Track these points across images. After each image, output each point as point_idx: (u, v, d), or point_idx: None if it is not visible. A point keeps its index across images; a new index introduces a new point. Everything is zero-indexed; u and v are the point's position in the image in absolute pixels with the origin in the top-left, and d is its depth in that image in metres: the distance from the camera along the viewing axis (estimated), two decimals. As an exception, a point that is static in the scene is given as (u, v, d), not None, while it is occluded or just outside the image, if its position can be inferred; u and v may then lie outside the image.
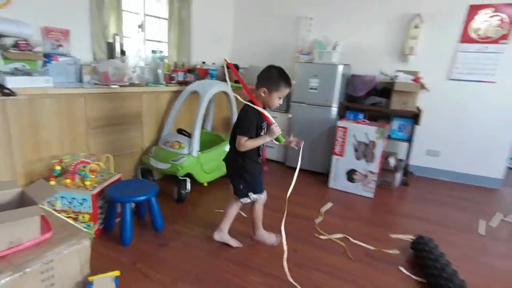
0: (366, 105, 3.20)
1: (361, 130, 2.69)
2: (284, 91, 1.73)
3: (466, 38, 3.05)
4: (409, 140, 3.08)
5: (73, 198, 1.71)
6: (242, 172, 1.80)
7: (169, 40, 3.38)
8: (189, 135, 2.60)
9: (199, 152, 2.50)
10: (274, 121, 1.68)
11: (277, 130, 1.66)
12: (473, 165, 3.23)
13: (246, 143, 1.66)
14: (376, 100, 3.19)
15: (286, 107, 3.53)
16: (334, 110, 3.14)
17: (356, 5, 3.43)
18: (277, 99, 1.73)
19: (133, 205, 1.91)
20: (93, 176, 1.81)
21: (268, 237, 1.96)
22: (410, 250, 1.91)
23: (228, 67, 1.80)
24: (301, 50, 3.68)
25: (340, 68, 3.04)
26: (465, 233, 2.24)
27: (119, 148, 2.38)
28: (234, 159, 1.82)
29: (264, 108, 1.73)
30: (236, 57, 4.11)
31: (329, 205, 2.54)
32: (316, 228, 2.16)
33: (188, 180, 2.44)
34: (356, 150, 2.74)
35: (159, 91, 2.65)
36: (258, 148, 1.79)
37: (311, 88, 3.17)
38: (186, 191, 2.41)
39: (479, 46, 3.01)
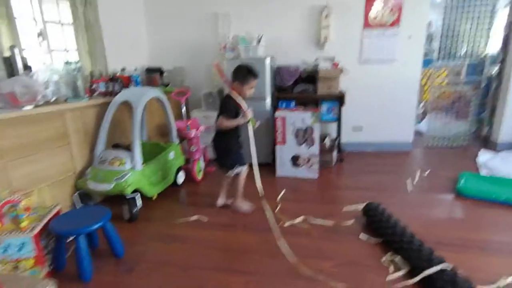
0: (295, 93, 3.40)
1: (298, 118, 2.85)
2: (253, 82, 2.18)
3: (367, 24, 3.48)
4: (338, 120, 3.40)
5: (8, 245, 1.41)
6: (227, 151, 2.29)
7: (79, 48, 3.00)
8: (127, 149, 2.39)
9: (143, 165, 2.33)
10: (246, 107, 2.15)
11: (248, 113, 2.15)
12: (389, 133, 3.74)
13: (224, 121, 2.13)
14: (303, 87, 3.41)
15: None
16: (268, 102, 3.25)
17: (268, -1, 3.58)
18: (248, 90, 2.18)
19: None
20: (27, 215, 1.52)
21: (244, 205, 2.37)
22: (363, 218, 2.13)
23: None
24: (224, 47, 3.69)
25: (267, 61, 3.15)
26: (399, 192, 2.61)
27: (48, 176, 2.05)
28: (220, 142, 2.30)
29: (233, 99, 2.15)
30: (156, 60, 3.88)
31: (282, 192, 2.65)
32: (278, 216, 2.23)
33: (138, 196, 2.25)
34: (296, 136, 2.91)
35: (82, 107, 2.34)
36: (237, 130, 2.27)
37: (243, 83, 3.21)
38: (138, 208, 2.23)
39: (379, 31, 3.47)
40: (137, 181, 2.22)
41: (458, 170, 2.92)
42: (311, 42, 3.62)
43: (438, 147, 3.92)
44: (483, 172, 2.95)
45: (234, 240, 1.98)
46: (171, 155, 2.72)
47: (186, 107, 3.23)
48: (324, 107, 3.41)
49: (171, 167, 2.72)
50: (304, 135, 2.89)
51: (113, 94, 2.64)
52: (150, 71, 3.46)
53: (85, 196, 2.29)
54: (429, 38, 5.04)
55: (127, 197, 2.17)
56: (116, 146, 2.47)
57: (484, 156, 3.34)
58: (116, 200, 2.26)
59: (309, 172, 2.97)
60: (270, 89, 3.27)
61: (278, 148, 2.98)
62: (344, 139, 3.73)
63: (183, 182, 2.91)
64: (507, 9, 3.68)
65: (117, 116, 2.58)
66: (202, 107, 3.60)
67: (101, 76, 2.96)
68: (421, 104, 4.97)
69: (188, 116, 3.40)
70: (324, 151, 3.20)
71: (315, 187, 2.81)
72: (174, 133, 2.87)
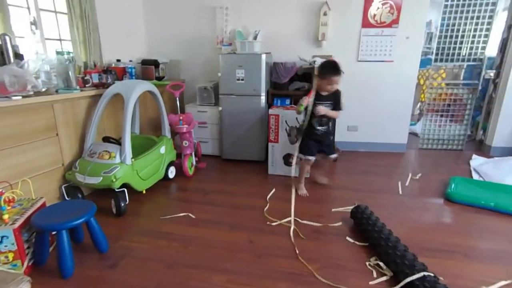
0: (291, 90, 3.38)
1: (291, 116, 2.83)
2: (330, 79, 2.33)
3: (366, 23, 3.44)
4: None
5: (-12, 239, 1.40)
6: (302, 138, 2.57)
7: (73, 37, 2.96)
8: (118, 142, 2.37)
9: (133, 159, 2.31)
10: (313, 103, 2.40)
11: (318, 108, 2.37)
12: (384, 134, 3.73)
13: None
14: (299, 85, 3.39)
15: (215, 100, 3.48)
16: (263, 98, 3.23)
17: (269, -7, 3.53)
18: (327, 85, 2.37)
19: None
20: (9, 208, 1.51)
21: (301, 190, 2.62)
22: (351, 219, 2.13)
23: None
24: (221, 41, 3.65)
25: (264, 57, 3.12)
26: (389, 194, 2.61)
27: (35, 168, 2.03)
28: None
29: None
30: (153, 52, 3.85)
31: (272, 190, 2.65)
32: (266, 216, 2.23)
33: (126, 191, 2.23)
34: (289, 135, 2.89)
35: (73, 98, 2.32)
36: (310, 121, 2.47)
37: (238, 79, 3.18)
38: (125, 203, 2.21)
39: (377, 30, 3.44)
40: (126, 175, 2.21)
41: (450, 173, 2.92)
42: (309, 39, 3.58)
43: (432, 149, 3.92)
44: (475, 177, 2.95)
45: (221, 238, 1.97)
46: (162, 149, 2.70)
47: (180, 101, 3.21)
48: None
49: (162, 161, 2.70)
50: (297, 134, 2.87)
51: (106, 85, 2.61)
52: (145, 63, 3.42)
53: (73, 189, 2.27)
54: (429, 37, 5.00)
55: (115, 191, 2.15)
56: (106, 139, 2.45)
57: (476, 161, 3.34)
58: (106, 193, 2.26)
59: (301, 170, 2.96)
60: (266, 86, 3.24)
61: (270, 146, 2.97)
62: (339, 138, 3.72)
63: (174, 177, 2.91)
64: (506, 13, 3.65)
65: (109, 108, 2.56)
66: (197, 101, 3.57)
67: (95, 67, 2.93)
68: (418, 105, 4.96)
69: (183, 110, 3.38)
70: (317, 150, 3.19)
71: (306, 186, 2.79)
72: (167, 127, 2.85)
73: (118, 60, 3.19)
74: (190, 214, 2.25)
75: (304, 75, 3.44)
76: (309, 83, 3.33)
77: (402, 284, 1.45)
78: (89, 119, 2.41)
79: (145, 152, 2.52)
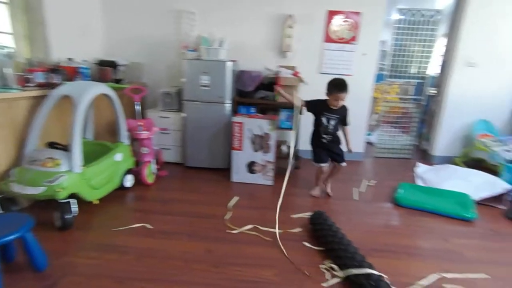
0: (256, 99, 3.41)
1: (255, 124, 2.85)
2: (336, 95, 2.49)
3: (328, 38, 3.61)
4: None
5: None
6: (311, 145, 2.77)
7: (14, 31, 2.71)
8: (65, 148, 2.18)
9: (83, 167, 2.16)
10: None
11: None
12: (343, 143, 3.88)
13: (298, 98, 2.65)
14: (264, 94, 3.43)
15: (178, 106, 3.40)
16: (228, 106, 3.22)
17: (235, 2, 3.55)
18: (333, 101, 2.52)
19: None
20: None
21: (315, 191, 2.81)
22: (309, 225, 2.18)
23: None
24: (186, 46, 3.59)
25: (229, 65, 3.12)
26: (345, 200, 2.73)
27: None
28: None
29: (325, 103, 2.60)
30: (111, 53, 3.65)
31: (235, 199, 2.63)
32: (227, 224, 2.20)
33: (74, 202, 2.07)
34: (253, 143, 2.90)
35: (11, 98, 2.09)
36: (318, 130, 2.67)
37: (203, 86, 3.15)
38: (72, 214, 2.04)
39: (338, 45, 3.62)
40: (74, 184, 2.05)
41: (400, 180, 3.13)
42: (274, 49, 3.66)
43: (386, 158, 4.17)
44: (419, 182, 3.20)
45: (178, 249, 1.90)
46: (118, 156, 2.56)
47: (141, 106, 3.09)
48: (283, 115, 3.46)
49: (117, 169, 2.56)
50: (261, 142, 2.90)
51: (53, 86, 2.39)
52: (102, 64, 3.25)
53: (7, 200, 2.03)
54: (384, 55, 5.37)
55: (60, 202, 1.97)
56: (51, 145, 2.25)
57: (421, 168, 3.63)
58: (48, 204, 2.05)
59: (265, 178, 2.98)
60: (231, 93, 3.24)
61: (234, 153, 2.96)
62: (301, 147, 3.81)
63: (132, 186, 2.76)
64: (445, 37, 4.04)
65: (56, 111, 2.38)
66: (159, 107, 3.46)
67: (40, 65, 2.68)
68: (375, 117, 5.27)
69: (143, 116, 3.25)
70: (280, 157, 3.24)
71: (269, 194, 2.83)
72: (124, 133, 2.72)
73: (70, 59, 2.97)
74: (147, 225, 2.15)
75: (270, 84, 3.49)
76: (274, 92, 3.39)
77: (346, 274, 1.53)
78: (30, 122, 2.20)
79: (98, 159, 2.37)
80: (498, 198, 2.74)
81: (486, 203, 2.73)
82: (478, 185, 2.88)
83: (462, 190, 2.80)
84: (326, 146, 2.69)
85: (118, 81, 3.29)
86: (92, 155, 2.42)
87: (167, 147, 3.41)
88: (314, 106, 2.62)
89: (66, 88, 2.28)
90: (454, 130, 3.93)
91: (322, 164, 2.69)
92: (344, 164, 2.76)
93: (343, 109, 2.64)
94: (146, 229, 2.10)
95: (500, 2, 3.50)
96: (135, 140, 2.87)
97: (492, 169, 3.32)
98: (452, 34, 3.83)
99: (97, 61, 3.28)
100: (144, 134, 2.76)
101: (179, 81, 3.31)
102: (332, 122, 2.61)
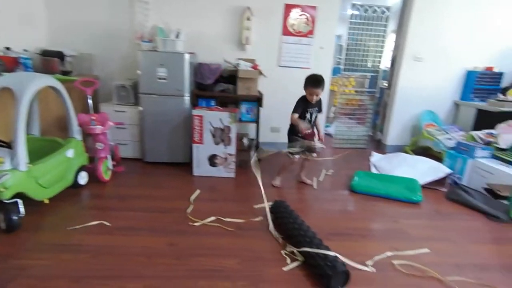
0: (216, 92, 3.39)
1: (215, 117, 2.84)
2: (311, 90, 2.58)
3: (286, 31, 3.67)
4: (256, 121, 3.50)
5: None
6: (288, 136, 2.81)
7: None
8: (7, 146, 2.01)
9: (30, 164, 2.00)
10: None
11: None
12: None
13: (292, 116, 2.66)
14: (224, 86, 3.42)
15: (134, 100, 3.27)
16: (187, 99, 3.16)
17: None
18: (309, 95, 2.62)
19: None
20: None
21: (277, 181, 2.88)
22: (271, 214, 2.23)
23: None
24: (141, 37, 3.45)
25: (187, 57, 3.06)
26: (306, 189, 2.85)
27: None
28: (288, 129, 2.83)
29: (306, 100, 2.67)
30: (57, 42, 3.38)
31: (197, 192, 2.61)
32: (189, 217, 2.19)
33: (20, 202, 1.92)
34: (213, 136, 2.89)
35: None
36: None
37: (160, 78, 3.06)
38: (19, 215, 1.90)
39: (296, 38, 3.70)
40: (19, 183, 1.89)
41: (356, 169, 3.31)
42: (233, 42, 3.65)
43: (343, 148, 4.38)
44: (373, 170, 3.42)
45: (139, 244, 1.85)
46: (70, 153, 2.41)
47: (94, 100, 2.92)
48: (243, 108, 3.47)
49: (69, 166, 2.42)
50: (221, 135, 2.90)
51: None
52: (47, 54, 3.01)
53: None
54: (340, 49, 5.60)
55: (4, 203, 1.82)
56: (-7, 141, 2.07)
57: (375, 157, 3.87)
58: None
59: (226, 171, 2.99)
60: (190, 86, 3.18)
61: (194, 147, 2.92)
62: (263, 139, 3.87)
63: (86, 184, 2.63)
64: (395, 33, 4.32)
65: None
66: (114, 100, 3.30)
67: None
68: (334, 109, 5.49)
69: (96, 110, 3.08)
70: (241, 150, 3.27)
71: (231, 186, 2.84)
72: (75, 128, 2.56)
73: (7, 48, 2.71)
74: (105, 222, 2.06)
75: (229, 77, 3.49)
76: (234, 85, 3.39)
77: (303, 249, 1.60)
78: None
79: (47, 156, 2.22)
80: (440, 182, 3.00)
81: (431, 187, 2.98)
82: (423, 170, 3.14)
83: (410, 175, 3.04)
84: (304, 139, 2.76)
85: (66, 73, 3.08)
86: (40, 152, 2.26)
87: (124, 142, 3.27)
88: (301, 108, 2.68)
89: (6, 80, 2.09)
90: (404, 121, 4.22)
91: (297, 156, 2.77)
92: (315, 154, 2.88)
93: (320, 101, 2.79)
94: (104, 227, 2.02)
95: (443, 1, 3.80)
96: (88, 135, 2.72)
97: (437, 156, 3.64)
98: (400, 30, 4.09)
99: (41, 51, 3.03)
100: (97, 129, 2.63)
101: (134, 74, 3.18)
102: (314, 115, 2.75)
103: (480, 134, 3.36)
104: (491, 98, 3.77)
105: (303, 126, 2.62)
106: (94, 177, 2.66)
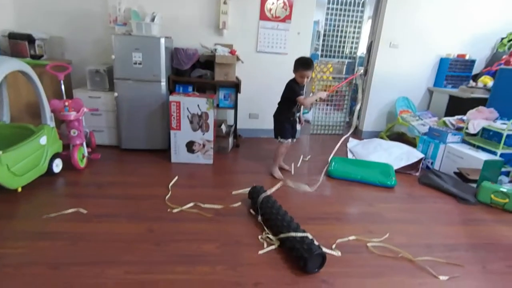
0: (193, 77, 3.35)
1: (193, 103, 2.83)
2: (302, 72, 2.56)
3: (263, 16, 3.64)
4: (234, 107, 3.51)
5: None
6: (276, 121, 2.80)
7: None
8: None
9: (0, 152, 1.95)
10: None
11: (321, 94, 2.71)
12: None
13: (305, 100, 2.64)
14: (201, 72, 3.38)
15: (109, 85, 3.18)
16: (164, 85, 3.11)
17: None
18: (299, 78, 2.60)
19: None
20: None
21: (276, 173, 2.84)
22: (248, 199, 2.29)
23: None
24: (115, 20, 3.33)
25: (163, 41, 2.98)
26: (284, 175, 2.89)
27: None
28: (275, 114, 2.81)
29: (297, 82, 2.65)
30: (25, 24, 3.20)
31: (175, 178, 2.62)
32: (167, 203, 2.21)
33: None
34: (191, 122, 2.88)
35: None
36: (290, 107, 2.72)
37: (136, 63, 2.98)
38: (-9, 205, 1.87)
39: (273, 23, 3.68)
40: (-10, 171, 1.86)
41: (334, 155, 3.41)
42: (210, 26, 3.59)
43: (321, 134, 4.48)
44: (350, 156, 3.54)
45: (118, 231, 1.87)
46: (43, 140, 2.35)
47: (67, 85, 2.83)
48: (221, 94, 3.47)
49: (43, 153, 2.36)
50: (199, 121, 2.89)
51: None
52: (14, 37, 2.86)
53: None
54: (318, 35, 5.61)
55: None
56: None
57: (352, 143, 3.99)
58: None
59: (204, 158, 3.01)
60: (166, 72, 3.13)
61: (172, 133, 2.91)
62: (241, 125, 3.89)
63: (61, 171, 2.58)
64: (371, 20, 4.38)
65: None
66: (88, 86, 3.20)
67: None
68: (311, 95, 5.56)
69: (70, 96, 2.98)
70: (220, 136, 3.28)
71: (209, 172, 2.87)
72: (47, 114, 2.48)
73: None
74: (81, 209, 2.05)
75: (206, 62, 3.45)
76: (211, 71, 3.36)
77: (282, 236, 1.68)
78: None
79: (19, 143, 2.15)
80: (414, 166, 3.14)
81: (405, 171, 3.13)
82: (397, 155, 3.27)
83: (385, 161, 3.17)
84: (293, 123, 2.81)
85: (36, 57, 2.95)
86: (12, 139, 2.20)
87: (99, 129, 3.21)
88: (299, 91, 2.64)
89: (-31, 64, 1.99)
90: (380, 107, 4.35)
91: (290, 140, 2.82)
92: (294, 139, 2.94)
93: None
94: (81, 214, 2.01)
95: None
96: (62, 122, 2.65)
97: (411, 142, 3.80)
98: (376, 17, 4.15)
99: (8, 34, 2.88)
100: (71, 115, 2.56)
101: (109, 58, 3.09)
102: None
103: (452, 120, 3.53)
104: (463, 85, 3.93)
105: (323, 95, 2.67)
106: (69, 165, 2.61)
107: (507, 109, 3.08)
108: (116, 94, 3.04)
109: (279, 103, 2.80)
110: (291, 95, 2.63)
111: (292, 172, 2.99)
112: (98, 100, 3.13)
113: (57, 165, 2.54)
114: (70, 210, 2.03)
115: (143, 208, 2.14)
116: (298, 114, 2.83)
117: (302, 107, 2.85)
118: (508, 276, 1.71)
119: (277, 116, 2.80)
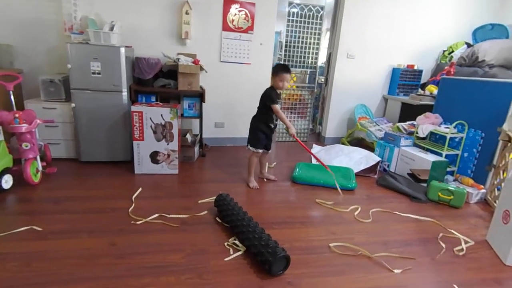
0: (156, 87, 3.31)
1: (156, 113, 2.79)
2: (282, 76, 2.57)
3: (226, 27, 3.71)
4: (200, 116, 3.51)
5: None
6: (251, 129, 2.80)
7: None
8: None
9: None
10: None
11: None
12: (247, 130, 4.07)
13: (279, 111, 2.62)
14: (164, 82, 3.36)
15: (65, 96, 3.04)
16: (125, 94, 3.04)
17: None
18: (279, 82, 2.59)
19: None
20: None
21: (252, 182, 2.83)
22: (215, 208, 2.29)
23: None
24: (70, 28, 3.21)
25: (123, 51, 2.93)
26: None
27: None
28: (252, 121, 2.80)
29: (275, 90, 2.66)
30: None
31: (139, 190, 2.56)
32: (131, 216, 2.15)
33: None
34: (154, 132, 2.84)
35: None
36: (268, 118, 2.71)
37: (94, 73, 2.89)
38: None
39: (236, 34, 3.77)
40: None
41: (297, 160, 3.53)
42: (172, 36, 3.58)
43: (286, 141, 4.60)
44: (314, 161, 3.67)
45: (77, 247, 1.78)
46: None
47: (17, 96, 2.66)
48: (185, 103, 3.46)
49: (-10, 169, 2.20)
50: (163, 131, 2.86)
51: None
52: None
53: None
54: (280, 46, 5.78)
55: None
56: None
57: (315, 149, 4.15)
58: None
59: (170, 168, 2.96)
60: (127, 81, 3.06)
61: (135, 144, 2.84)
62: (207, 134, 3.90)
63: (11, 188, 2.41)
64: (329, 31, 4.65)
65: None
66: (41, 96, 3.03)
67: None
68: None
69: (21, 107, 2.81)
70: (185, 146, 3.26)
71: (174, 182, 2.83)
72: (-5, 127, 2.32)
73: None
74: (35, 227, 1.93)
75: (169, 72, 3.43)
76: (175, 80, 3.35)
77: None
78: None
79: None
80: (372, 169, 3.34)
81: (364, 174, 3.31)
82: (357, 159, 3.46)
83: (346, 165, 3.34)
84: (269, 133, 2.80)
85: (-18, 66, 2.75)
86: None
87: (56, 142, 3.05)
88: (276, 99, 2.62)
89: None
90: (340, 114, 4.58)
91: (261, 150, 2.79)
92: (269, 151, 2.96)
93: None
94: (35, 232, 1.89)
95: (367, 4, 4.16)
96: (12, 135, 2.48)
97: (370, 146, 4.04)
98: (334, 30, 4.41)
99: None
100: (22, 127, 2.41)
101: (64, 68, 2.96)
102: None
103: (404, 125, 3.82)
104: (413, 93, 4.28)
105: (292, 130, 2.67)
106: (21, 181, 2.45)
107: (449, 114, 3.40)
108: (73, 104, 2.92)
109: (258, 108, 2.78)
110: (268, 102, 2.62)
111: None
112: (53, 111, 2.97)
113: (7, 181, 2.37)
114: (22, 228, 1.90)
115: (104, 222, 2.06)
116: (276, 123, 2.80)
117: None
118: (453, 265, 1.88)
119: (254, 122, 2.79)
